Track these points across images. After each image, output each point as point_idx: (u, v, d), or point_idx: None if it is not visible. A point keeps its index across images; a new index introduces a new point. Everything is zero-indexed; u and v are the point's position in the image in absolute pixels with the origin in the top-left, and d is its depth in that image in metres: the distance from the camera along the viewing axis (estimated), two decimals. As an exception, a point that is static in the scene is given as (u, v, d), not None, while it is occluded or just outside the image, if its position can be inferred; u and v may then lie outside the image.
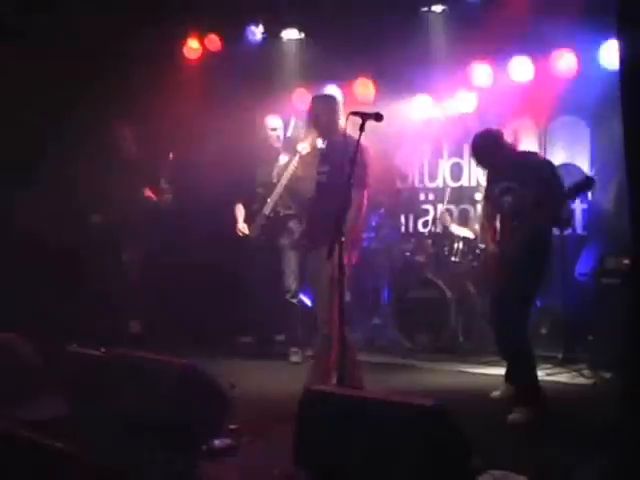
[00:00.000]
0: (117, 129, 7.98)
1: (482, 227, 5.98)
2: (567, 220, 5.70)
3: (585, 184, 5.28)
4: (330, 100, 5.93)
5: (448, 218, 8.27)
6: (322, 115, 5.74)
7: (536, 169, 5.42)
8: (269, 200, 7.64)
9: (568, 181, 5.41)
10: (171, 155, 7.82)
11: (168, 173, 7.86)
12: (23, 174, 7.67)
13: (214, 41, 9.25)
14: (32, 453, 4.58)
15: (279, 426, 4.62)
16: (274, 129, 7.82)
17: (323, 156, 5.79)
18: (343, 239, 4.74)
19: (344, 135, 5.18)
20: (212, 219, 8.41)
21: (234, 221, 7.82)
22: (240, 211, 7.87)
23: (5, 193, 7.58)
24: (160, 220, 7.97)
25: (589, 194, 7.73)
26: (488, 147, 5.65)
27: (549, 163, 5.63)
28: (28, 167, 7.71)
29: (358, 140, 4.80)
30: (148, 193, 7.85)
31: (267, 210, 7.65)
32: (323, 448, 3.50)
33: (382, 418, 3.34)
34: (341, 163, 5.02)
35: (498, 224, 5.70)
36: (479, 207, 7.73)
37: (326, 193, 5.54)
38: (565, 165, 7.69)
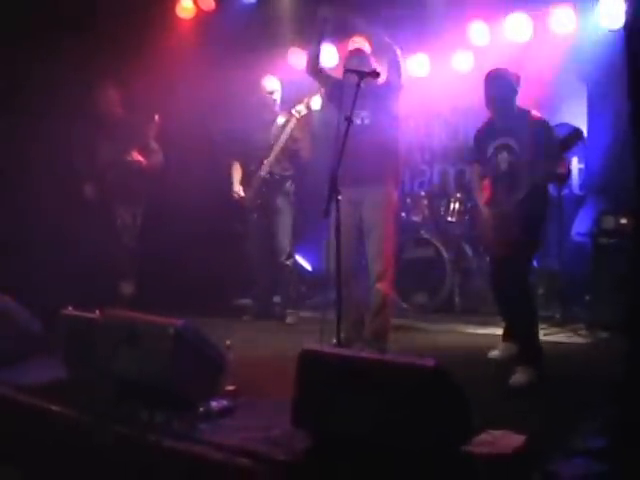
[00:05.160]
0: (102, 91, 7.82)
1: (474, 189, 5.88)
2: (563, 175, 5.60)
3: (575, 136, 5.21)
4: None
5: None
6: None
7: (534, 127, 5.28)
8: (265, 162, 7.57)
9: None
10: (156, 117, 7.67)
11: (154, 135, 7.72)
12: (13, 139, 7.57)
13: (207, 0, 9.12)
14: (29, 417, 4.59)
15: (276, 387, 4.61)
16: (271, 92, 7.67)
17: (359, 99, 5.54)
18: (340, 197, 4.85)
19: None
20: (207, 181, 8.35)
21: (230, 182, 7.78)
22: (237, 172, 7.81)
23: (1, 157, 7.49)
24: (150, 182, 7.85)
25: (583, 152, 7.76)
26: (509, 89, 5.42)
27: (546, 123, 5.41)
28: (19, 132, 7.61)
29: (354, 98, 4.79)
30: (136, 156, 7.70)
31: (263, 172, 7.60)
32: (322, 409, 3.49)
33: (381, 378, 3.33)
34: (379, 106, 5.72)
35: (489, 185, 5.62)
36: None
37: (370, 133, 5.78)
38: (560, 125, 7.65)
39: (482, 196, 5.65)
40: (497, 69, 5.56)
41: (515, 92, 5.43)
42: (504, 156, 5.38)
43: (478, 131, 5.78)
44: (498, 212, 5.40)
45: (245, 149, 7.76)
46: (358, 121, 5.65)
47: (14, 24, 7.40)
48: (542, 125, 5.32)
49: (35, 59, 7.42)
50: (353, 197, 5.73)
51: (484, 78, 5.50)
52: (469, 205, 7.98)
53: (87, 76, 7.59)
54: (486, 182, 5.65)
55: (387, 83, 5.90)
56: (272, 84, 7.74)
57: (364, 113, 5.77)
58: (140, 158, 7.69)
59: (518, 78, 5.49)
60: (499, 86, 5.42)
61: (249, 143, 7.72)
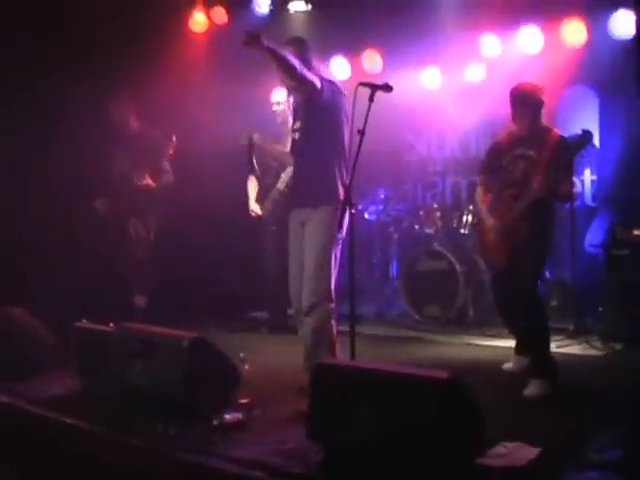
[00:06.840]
0: (118, 100, 7.81)
1: (478, 198, 5.86)
2: (569, 194, 5.60)
3: (584, 138, 5.19)
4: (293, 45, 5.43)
5: None
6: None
7: (555, 145, 5.25)
8: (283, 175, 7.35)
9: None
10: (174, 138, 7.64)
11: (170, 155, 7.70)
12: (29, 152, 7.61)
13: (220, 14, 9.16)
14: (42, 429, 4.61)
15: (290, 400, 4.62)
16: (278, 103, 7.43)
17: (294, 111, 5.49)
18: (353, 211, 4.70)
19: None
20: (223, 194, 8.32)
21: (246, 196, 7.61)
22: (253, 187, 7.62)
23: (16, 171, 7.51)
24: (160, 202, 7.81)
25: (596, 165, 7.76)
26: (537, 102, 5.40)
27: (566, 142, 5.34)
28: (35, 145, 7.64)
29: (367, 112, 4.75)
30: (146, 180, 7.66)
31: (281, 185, 7.40)
32: (336, 422, 3.49)
33: (395, 391, 3.33)
34: (308, 121, 5.17)
35: (495, 194, 5.61)
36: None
37: (300, 149, 5.34)
38: (572, 135, 7.65)
39: (485, 205, 5.65)
40: (524, 83, 5.56)
41: (541, 106, 5.43)
42: (520, 165, 5.37)
43: (496, 142, 5.76)
44: (501, 220, 5.40)
45: (261, 161, 7.67)
46: (292, 134, 5.43)
47: (29, 34, 7.45)
48: (563, 144, 5.30)
49: (49, 69, 7.47)
50: (300, 217, 5.34)
51: (511, 91, 5.50)
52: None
53: (101, 89, 7.61)
54: (489, 195, 5.65)
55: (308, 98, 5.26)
56: (279, 96, 7.43)
57: (296, 126, 5.37)
58: (150, 182, 7.63)
59: (542, 92, 5.48)
60: (526, 99, 5.42)
61: (265, 155, 7.58)
